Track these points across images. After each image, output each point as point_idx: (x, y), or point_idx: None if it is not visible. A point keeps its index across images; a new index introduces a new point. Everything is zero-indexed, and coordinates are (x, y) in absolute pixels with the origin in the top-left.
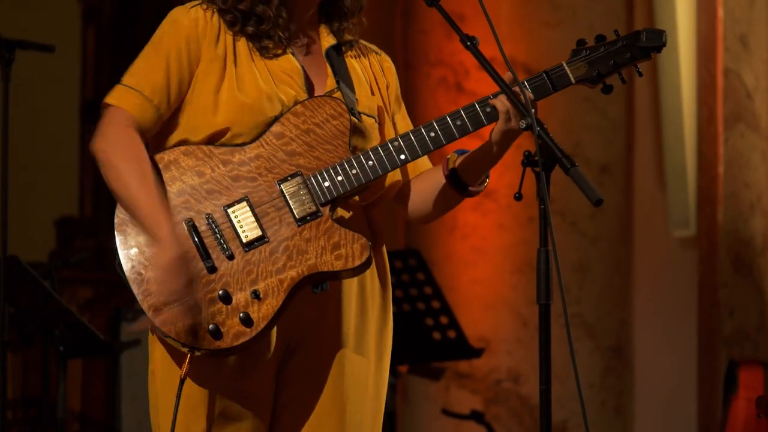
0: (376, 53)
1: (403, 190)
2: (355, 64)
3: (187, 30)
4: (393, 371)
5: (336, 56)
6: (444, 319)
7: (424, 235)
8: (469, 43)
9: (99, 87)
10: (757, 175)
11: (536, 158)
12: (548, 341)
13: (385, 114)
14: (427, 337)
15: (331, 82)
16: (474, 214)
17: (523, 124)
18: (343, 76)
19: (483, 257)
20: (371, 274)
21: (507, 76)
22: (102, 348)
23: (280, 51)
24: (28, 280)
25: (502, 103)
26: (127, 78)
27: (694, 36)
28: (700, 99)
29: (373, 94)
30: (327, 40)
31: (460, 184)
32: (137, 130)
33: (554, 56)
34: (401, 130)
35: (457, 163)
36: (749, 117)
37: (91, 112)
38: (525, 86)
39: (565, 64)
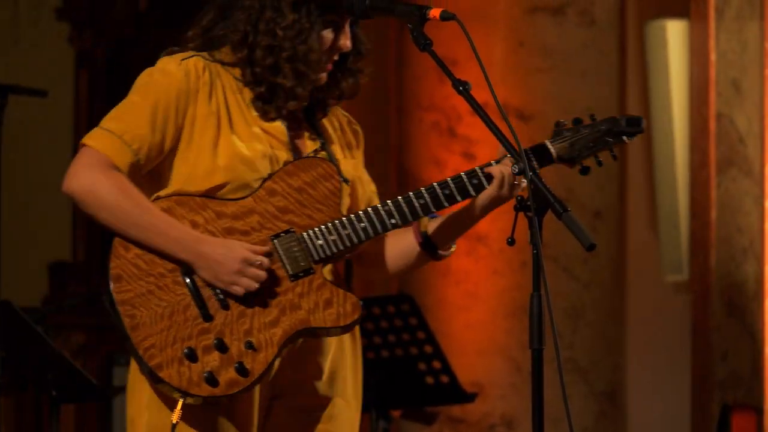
0: (344, 115)
1: (369, 249)
2: (327, 125)
3: (178, 83)
4: (386, 416)
5: (312, 117)
6: (437, 364)
7: (417, 280)
8: (461, 88)
9: None
10: (750, 220)
11: (529, 203)
12: (541, 386)
13: (355, 179)
14: (420, 382)
15: (311, 145)
16: (467, 259)
17: (516, 168)
18: (324, 138)
19: (476, 302)
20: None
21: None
22: (94, 393)
23: (274, 116)
24: (21, 325)
25: (498, 170)
26: (108, 122)
27: (686, 80)
28: (693, 143)
29: (344, 156)
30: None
31: (431, 247)
32: (113, 170)
33: (547, 102)
34: (367, 194)
35: (429, 229)
36: (742, 161)
37: None
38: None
39: (548, 143)
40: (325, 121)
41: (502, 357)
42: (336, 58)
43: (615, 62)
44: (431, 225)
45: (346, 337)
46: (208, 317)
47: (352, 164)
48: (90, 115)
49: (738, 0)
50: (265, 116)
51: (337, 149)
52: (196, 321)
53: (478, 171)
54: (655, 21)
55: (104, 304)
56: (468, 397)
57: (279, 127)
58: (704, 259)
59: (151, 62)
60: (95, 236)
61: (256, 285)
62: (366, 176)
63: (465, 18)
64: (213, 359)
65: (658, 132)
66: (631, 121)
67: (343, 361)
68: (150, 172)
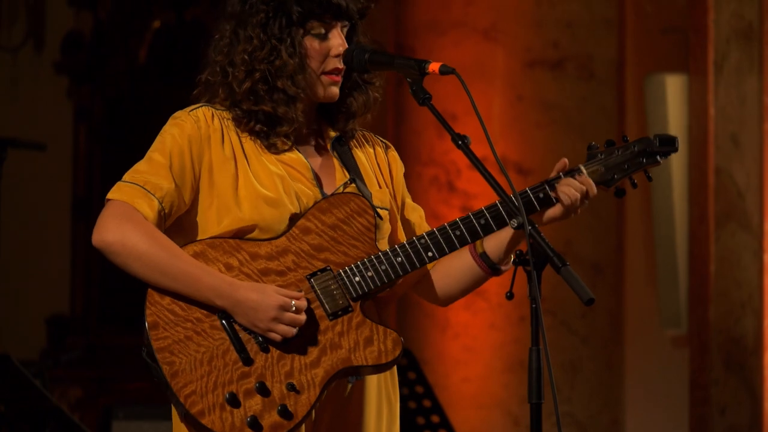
0: (382, 142)
1: (423, 280)
2: (360, 155)
3: (189, 131)
4: None
5: (340, 148)
6: (435, 418)
7: (415, 334)
8: (460, 143)
9: (90, 186)
10: (749, 274)
11: (527, 257)
12: None
13: (393, 205)
14: None
15: (341, 176)
16: (465, 313)
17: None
18: (353, 170)
19: (474, 356)
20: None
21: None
22: None
23: (286, 147)
24: (19, 379)
25: (564, 193)
26: (129, 175)
27: (685, 134)
28: (692, 198)
29: (380, 186)
30: (329, 132)
31: (492, 265)
32: (141, 219)
33: (546, 156)
34: (413, 219)
35: (486, 248)
36: (740, 216)
37: (83, 211)
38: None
39: (582, 167)
40: (358, 151)
41: (501, 411)
42: (340, 66)
43: (614, 116)
44: (486, 244)
45: (390, 390)
46: (248, 361)
47: (391, 193)
48: (88, 168)
49: (736, 54)
50: (277, 150)
51: (371, 179)
52: (236, 365)
53: (529, 192)
54: (653, 75)
55: (104, 361)
56: None
57: (299, 160)
58: (703, 313)
59: (151, 117)
60: (93, 290)
61: (294, 331)
62: (410, 201)
63: (464, 72)
64: (255, 403)
65: (657, 186)
66: (664, 140)
67: (380, 415)
68: (173, 225)
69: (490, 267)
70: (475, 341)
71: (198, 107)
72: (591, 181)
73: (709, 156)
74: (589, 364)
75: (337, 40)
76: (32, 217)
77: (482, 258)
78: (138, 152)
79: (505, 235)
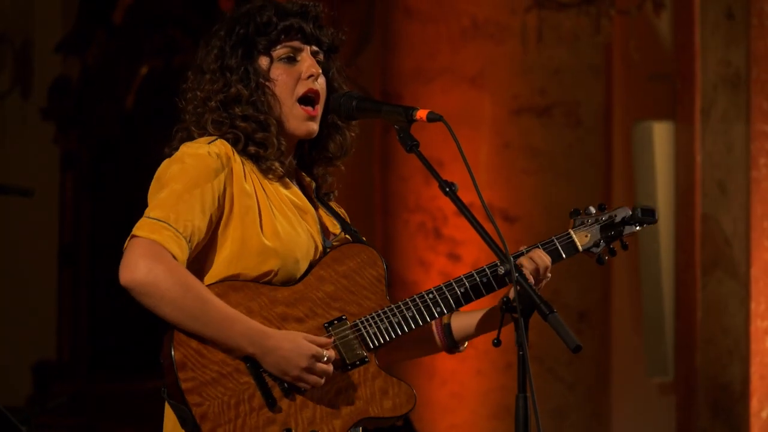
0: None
1: None
2: (335, 207)
3: (213, 164)
4: None
5: (322, 198)
6: None
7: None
8: (448, 189)
9: (77, 232)
10: (735, 321)
11: (515, 304)
12: None
13: None
14: None
15: (331, 223)
16: (452, 360)
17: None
18: (336, 216)
19: (461, 403)
20: None
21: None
22: None
23: (282, 172)
24: (5, 426)
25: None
26: (155, 211)
27: (672, 181)
28: (678, 245)
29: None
30: (309, 182)
31: (451, 341)
32: (171, 260)
33: (533, 203)
34: None
35: (452, 321)
36: (727, 263)
37: (69, 257)
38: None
39: (572, 232)
40: (332, 203)
41: None
42: (314, 87)
43: (601, 163)
44: (454, 318)
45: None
46: (273, 407)
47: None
48: (75, 215)
49: (724, 102)
50: (275, 175)
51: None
52: (261, 410)
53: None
54: (641, 122)
55: (90, 408)
56: None
57: (306, 206)
58: (689, 360)
59: (138, 163)
60: (80, 336)
61: (323, 381)
62: None
63: (451, 119)
64: None
65: (643, 232)
66: (645, 211)
67: None
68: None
69: (448, 340)
70: (462, 388)
71: (214, 139)
72: (543, 255)
73: (696, 203)
74: (575, 412)
75: (307, 62)
76: (18, 263)
77: (444, 329)
78: (124, 198)
79: (476, 316)
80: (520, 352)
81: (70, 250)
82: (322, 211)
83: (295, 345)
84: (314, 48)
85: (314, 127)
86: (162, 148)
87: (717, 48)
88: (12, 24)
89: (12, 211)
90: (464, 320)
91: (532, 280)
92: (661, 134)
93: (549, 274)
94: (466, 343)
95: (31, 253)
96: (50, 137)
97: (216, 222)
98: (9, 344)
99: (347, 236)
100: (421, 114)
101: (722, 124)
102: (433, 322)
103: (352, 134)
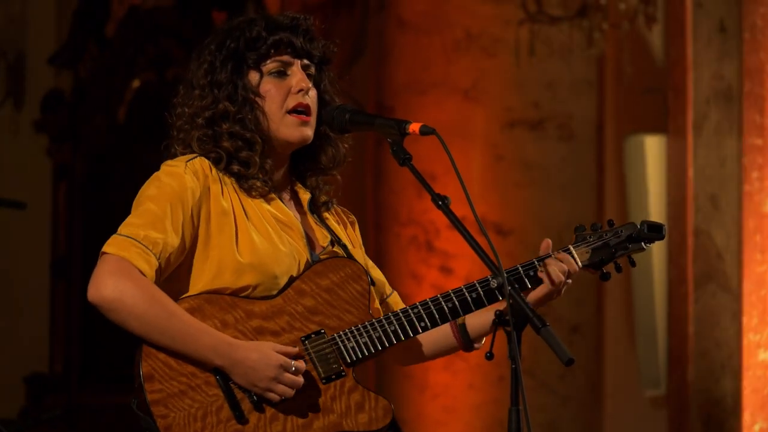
0: (339, 207)
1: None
2: (330, 218)
3: (189, 183)
4: None
5: (314, 207)
6: None
7: (395, 394)
8: (440, 203)
9: (70, 244)
10: (728, 335)
11: (507, 318)
12: None
13: (366, 265)
14: None
15: (322, 236)
16: (444, 373)
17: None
18: (328, 229)
19: (453, 416)
20: None
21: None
22: None
23: (266, 190)
24: None
25: (547, 272)
26: (126, 228)
27: (664, 195)
28: (671, 258)
29: (353, 245)
30: (304, 193)
31: (467, 340)
32: (139, 276)
33: (525, 216)
34: (379, 277)
35: (467, 322)
36: (720, 277)
37: (62, 269)
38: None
39: (572, 247)
40: (327, 215)
41: None
42: (304, 101)
43: (593, 177)
44: (468, 318)
45: None
46: (241, 419)
47: (360, 255)
48: (68, 227)
49: (716, 115)
50: (257, 192)
51: (345, 241)
52: (229, 422)
53: (519, 271)
54: (633, 136)
55: (83, 421)
56: None
57: (290, 219)
58: (682, 374)
59: (130, 175)
60: (73, 348)
61: (292, 392)
62: (371, 263)
63: (444, 132)
64: None
65: None
66: (652, 227)
67: None
68: (167, 277)
69: (464, 340)
70: (455, 401)
71: (193, 157)
72: (572, 259)
73: (688, 217)
74: (568, 425)
75: (297, 76)
76: (11, 276)
77: (460, 330)
78: (117, 211)
79: (489, 315)
80: (513, 366)
81: (62, 263)
82: (312, 224)
83: (263, 355)
84: (305, 62)
85: (308, 132)
86: (155, 160)
87: (709, 62)
88: (5, 36)
89: (5, 224)
90: (479, 319)
91: (562, 278)
92: (653, 147)
93: (570, 281)
94: (483, 340)
95: (23, 266)
96: (43, 149)
97: (193, 239)
98: (2, 356)
99: (335, 249)
100: (414, 127)
101: (714, 138)
102: (449, 323)
103: (345, 145)
